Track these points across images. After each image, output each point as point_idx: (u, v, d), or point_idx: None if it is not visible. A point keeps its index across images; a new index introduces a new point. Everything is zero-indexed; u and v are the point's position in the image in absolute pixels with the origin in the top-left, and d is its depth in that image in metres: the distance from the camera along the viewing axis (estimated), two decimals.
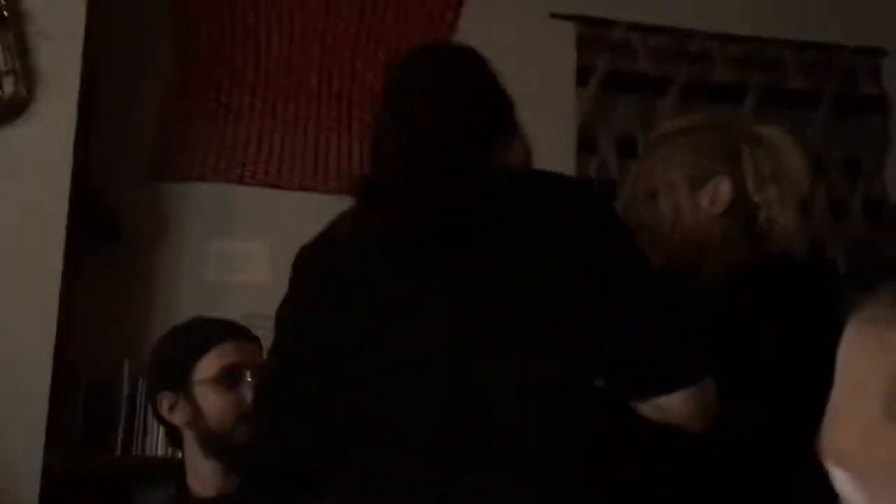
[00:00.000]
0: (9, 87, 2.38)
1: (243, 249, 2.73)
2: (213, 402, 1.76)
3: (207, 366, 1.79)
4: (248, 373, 1.76)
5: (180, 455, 1.88)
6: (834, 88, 3.17)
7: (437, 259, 1.31)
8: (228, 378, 1.76)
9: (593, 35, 3.05)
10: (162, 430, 1.99)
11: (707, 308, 1.58)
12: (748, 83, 3.12)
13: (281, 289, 1.47)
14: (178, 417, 1.81)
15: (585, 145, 2.97)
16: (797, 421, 1.45)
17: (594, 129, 3.01)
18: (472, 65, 1.43)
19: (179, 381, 1.80)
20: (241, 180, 2.79)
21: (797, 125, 3.12)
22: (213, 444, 1.76)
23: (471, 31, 2.79)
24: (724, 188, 1.59)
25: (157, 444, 2.46)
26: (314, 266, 1.43)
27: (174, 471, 1.88)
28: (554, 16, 3.01)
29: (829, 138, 3.15)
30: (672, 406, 1.30)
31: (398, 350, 1.33)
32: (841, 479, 0.41)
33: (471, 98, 1.39)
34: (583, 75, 3.02)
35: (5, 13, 2.36)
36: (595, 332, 1.29)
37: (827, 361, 1.52)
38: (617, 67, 3.05)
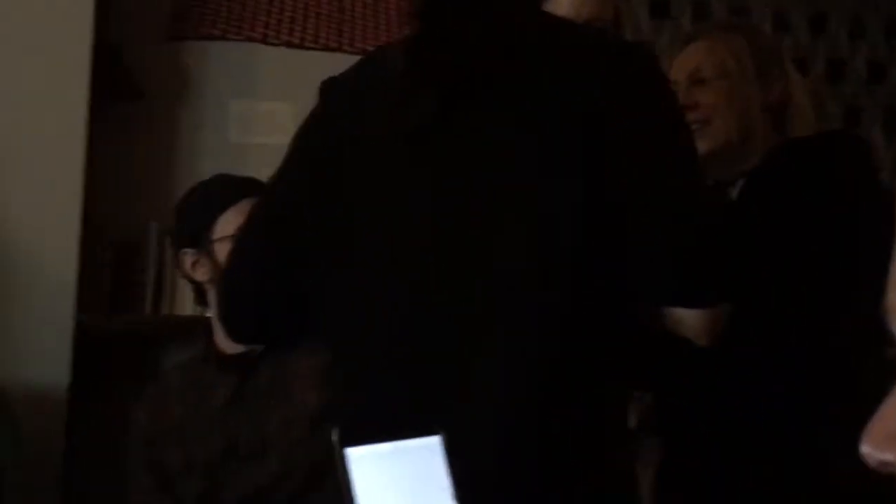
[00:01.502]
0: None
1: (266, 110, 2.72)
2: None
3: (226, 223, 1.81)
4: None
5: (209, 314, 1.92)
6: None
7: (484, 105, 1.26)
8: None
9: None
10: (190, 288, 2.03)
11: (750, 190, 1.60)
12: None
13: None
14: (201, 274, 1.85)
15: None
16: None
17: None
18: None
19: (200, 239, 1.83)
20: (264, 39, 2.76)
21: None
22: None
23: None
24: (779, 83, 1.66)
25: (186, 302, 2.51)
26: (351, 96, 1.36)
27: (203, 328, 1.93)
28: None
29: None
30: (689, 319, 1.27)
31: (421, 191, 1.28)
32: None
33: None
34: None
35: None
36: (629, 216, 1.22)
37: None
38: None
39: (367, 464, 0.70)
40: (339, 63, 2.53)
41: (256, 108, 2.73)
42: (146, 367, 2.47)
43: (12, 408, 2.13)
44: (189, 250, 1.86)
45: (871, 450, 0.43)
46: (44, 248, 2.33)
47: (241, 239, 1.46)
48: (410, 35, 1.31)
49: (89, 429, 2.38)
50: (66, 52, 2.35)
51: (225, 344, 1.84)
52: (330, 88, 1.38)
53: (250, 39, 2.75)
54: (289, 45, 2.76)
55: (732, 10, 2.97)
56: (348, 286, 1.31)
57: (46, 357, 2.31)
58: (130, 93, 2.62)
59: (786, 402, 1.49)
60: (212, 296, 1.86)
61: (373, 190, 1.30)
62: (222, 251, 1.79)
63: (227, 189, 1.88)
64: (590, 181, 1.22)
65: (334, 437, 0.69)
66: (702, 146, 1.61)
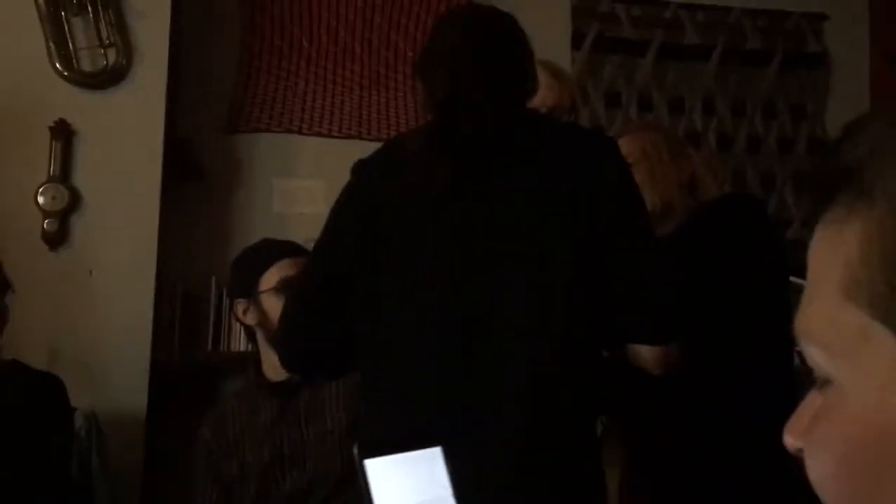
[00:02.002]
0: (112, 57, 2.38)
1: (303, 187, 2.74)
2: (274, 307, 1.78)
3: (269, 278, 1.81)
4: None
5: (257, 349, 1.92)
6: (784, 48, 3.10)
7: (491, 180, 1.27)
8: (285, 287, 1.79)
9: (585, 6, 2.99)
10: (242, 329, 2.02)
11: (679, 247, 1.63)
12: (713, 44, 3.06)
13: None
14: (250, 319, 1.85)
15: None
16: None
17: (586, 84, 2.97)
18: (514, 24, 1.38)
19: (249, 291, 1.83)
20: (300, 131, 2.79)
21: (753, 78, 3.07)
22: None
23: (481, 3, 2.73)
24: (688, 164, 1.74)
25: (239, 341, 2.50)
26: (379, 173, 1.35)
27: (253, 362, 1.92)
28: None
29: (779, 88, 3.09)
30: (646, 353, 1.28)
31: (440, 246, 1.28)
32: (812, 354, 0.42)
33: (515, 52, 1.35)
34: (576, 40, 2.97)
35: None
36: (606, 269, 1.24)
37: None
38: (605, 33, 2.99)
39: (381, 471, 0.70)
40: (360, 148, 2.57)
41: (295, 185, 2.75)
42: (208, 394, 2.46)
43: (102, 429, 2.12)
44: (241, 300, 1.86)
45: (789, 439, 0.44)
46: (125, 299, 2.33)
47: (296, 292, 1.46)
48: (430, 122, 1.32)
49: (163, 446, 2.37)
50: (144, 145, 2.38)
51: (271, 373, 1.83)
52: (360, 168, 1.39)
53: (289, 131, 2.78)
54: (319, 135, 2.79)
55: (670, 100, 3.01)
56: (378, 331, 1.30)
57: (128, 388, 2.30)
58: (195, 176, 2.64)
59: (729, 411, 1.50)
60: (259, 336, 1.86)
61: (400, 246, 1.30)
62: (267, 300, 1.80)
63: (270, 250, 1.88)
64: (579, 244, 1.24)
65: (355, 450, 0.69)
66: None
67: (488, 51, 1.31)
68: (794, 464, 0.44)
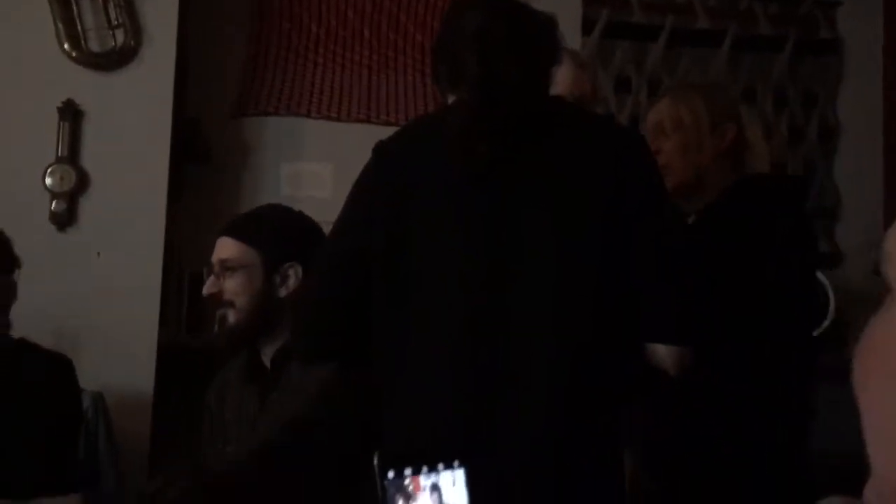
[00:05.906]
0: (120, 38, 2.39)
1: (310, 170, 2.74)
2: (209, 286, 1.71)
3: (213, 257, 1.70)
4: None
5: None
6: (796, 34, 3.08)
7: (525, 163, 1.24)
8: (223, 269, 1.69)
9: None
10: None
11: (705, 224, 1.58)
12: (724, 30, 3.04)
13: (341, 202, 1.37)
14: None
15: None
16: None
17: (596, 70, 2.95)
18: (535, 12, 1.35)
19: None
20: (308, 114, 2.79)
21: (765, 65, 3.06)
22: None
23: None
24: (730, 132, 1.62)
25: None
26: (406, 154, 1.31)
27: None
28: None
29: (791, 76, 3.08)
30: (661, 352, 1.25)
31: (471, 232, 1.24)
32: (887, 271, 0.41)
33: (543, 34, 1.32)
34: (587, 26, 2.96)
35: None
36: (628, 268, 1.23)
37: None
38: (615, 19, 2.98)
39: (400, 484, 0.70)
40: (369, 131, 2.57)
41: (303, 168, 2.76)
42: (215, 375, 2.47)
43: (108, 410, 2.14)
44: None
45: None
46: (133, 280, 2.34)
47: (315, 276, 1.40)
48: (462, 102, 1.27)
49: (170, 426, 2.39)
50: (152, 127, 2.39)
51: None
52: (384, 148, 1.33)
53: (298, 115, 2.78)
54: (328, 118, 2.79)
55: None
56: (401, 324, 1.26)
57: (135, 369, 2.32)
58: (203, 157, 2.65)
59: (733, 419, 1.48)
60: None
61: (429, 229, 1.26)
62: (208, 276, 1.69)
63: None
64: (604, 239, 1.22)
65: (376, 460, 0.69)
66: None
67: (519, 33, 1.29)
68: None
